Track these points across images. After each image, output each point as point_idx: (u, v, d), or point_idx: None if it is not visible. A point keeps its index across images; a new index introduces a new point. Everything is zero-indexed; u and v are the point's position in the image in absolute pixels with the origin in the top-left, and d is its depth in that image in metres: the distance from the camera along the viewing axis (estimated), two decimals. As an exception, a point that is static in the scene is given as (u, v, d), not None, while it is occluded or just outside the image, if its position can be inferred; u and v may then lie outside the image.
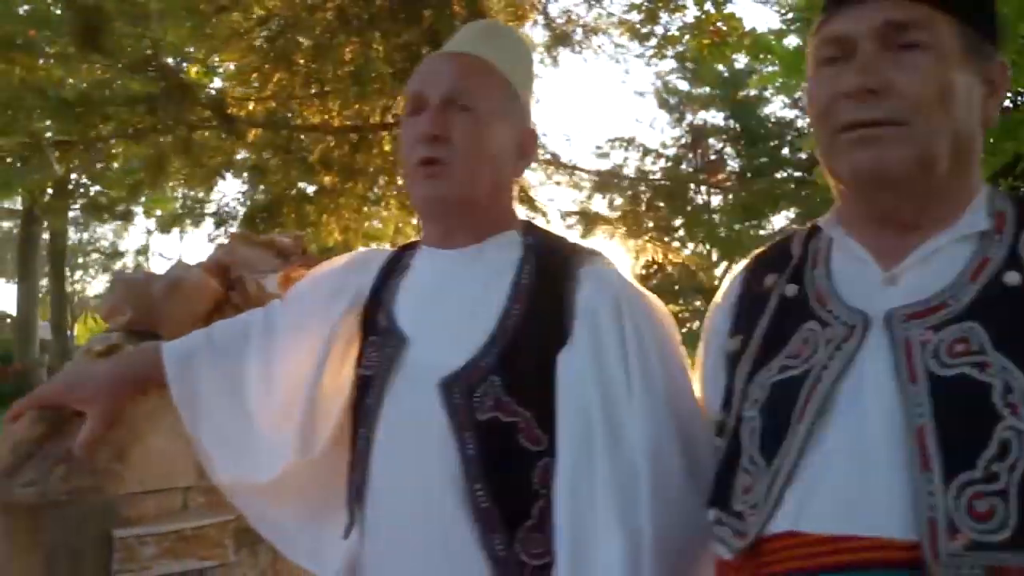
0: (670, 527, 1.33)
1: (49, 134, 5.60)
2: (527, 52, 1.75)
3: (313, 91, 7.03)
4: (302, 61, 6.85)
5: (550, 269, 1.50)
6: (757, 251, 1.47)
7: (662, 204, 20.49)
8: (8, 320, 33.10)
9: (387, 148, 7.85)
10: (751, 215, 20.65)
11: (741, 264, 1.47)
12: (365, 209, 8.41)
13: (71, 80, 5.99)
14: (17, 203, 22.03)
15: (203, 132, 6.15)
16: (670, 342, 1.48)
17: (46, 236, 24.77)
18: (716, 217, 21.39)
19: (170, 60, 5.98)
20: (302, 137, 7.28)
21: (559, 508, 1.37)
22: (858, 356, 1.13)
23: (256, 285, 2.46)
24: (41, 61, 5.66)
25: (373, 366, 1.55)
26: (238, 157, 8.14)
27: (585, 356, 1.41)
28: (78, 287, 43.90)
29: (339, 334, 1.69)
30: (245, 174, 8.93)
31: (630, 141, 23.79)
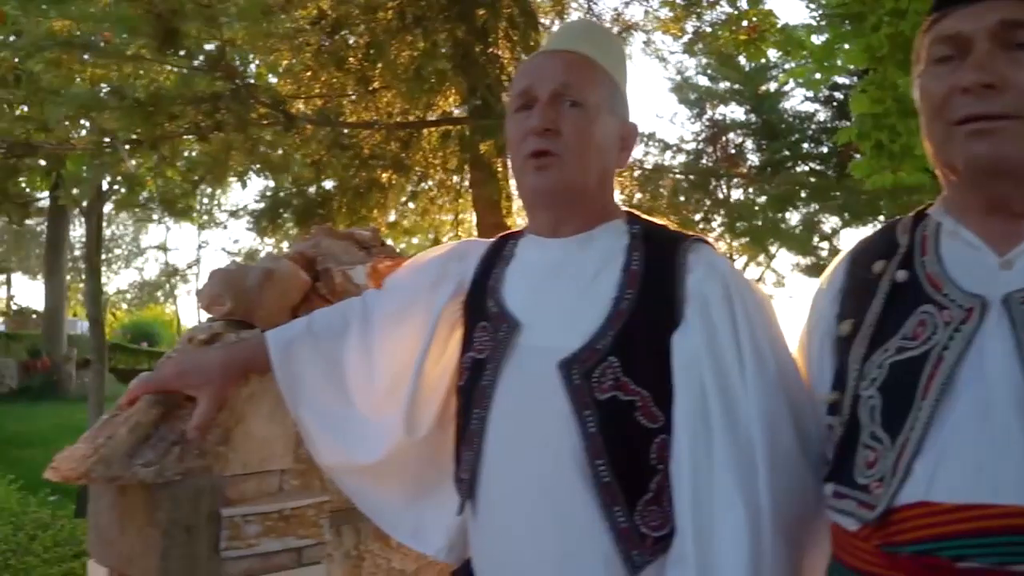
0: (786, 496, 1.40)
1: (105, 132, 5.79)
2: (622, 49, 1.82)
3: (365, 89, 7.14)
4: (353, 60, 6.96)
5: (659, 255, 1.57)
6: (861, 239, 1.53)
7: (683, 198, 20.44)
8: (34, 316, 33.43)
9: (433, 144, 8.00)
10: (777, 208, 20.60)
11: (843, 252, 1.54)
12: (411, 204, 8.54)
13: (142, 81, 6.12)
14: (43, 202, 22.28)
15: (265, 129, 6.28)
16: (775, 324, 1.55)
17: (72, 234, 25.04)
18: (741, 210, 21.30)
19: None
20: (344, 132, 7.42)
21: (680, 481, 1.43)
22: (977, 337, 1.19)
23: (343, 276, 2.52)
24: (85, 58, 5.83)
25: (486, 349, 1.62)
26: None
27: (698, 337, 1.48)
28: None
29: (442, 321, 1.77)
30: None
31: (650, 136, 23.76)
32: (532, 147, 1.59)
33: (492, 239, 1.84)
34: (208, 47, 5.57)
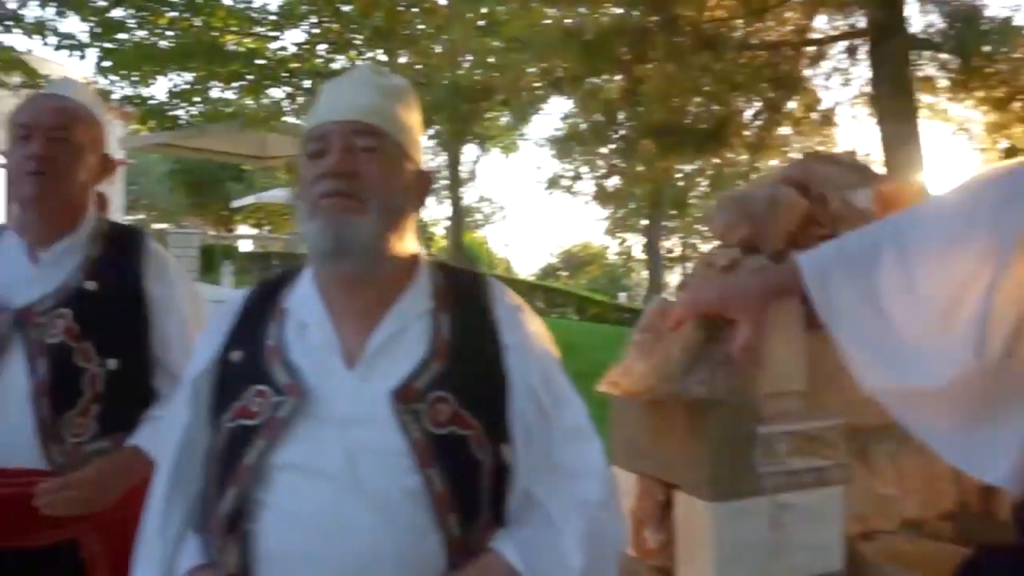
0: None
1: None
2: None
3: (759, 9, 6.90)
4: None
5: None
6: None
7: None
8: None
9: (833, 62, 7.67)
10: None
11: None
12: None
13: (589, 20, 6.36)
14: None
15: (686, 57, 6.30)
16: None
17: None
18: None
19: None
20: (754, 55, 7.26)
21: None
22: None
23: (840, 200, 2.43)
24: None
25: None
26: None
27: None
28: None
29: (1019, 240, 1.63)
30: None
31: None
32: None
33: None
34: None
